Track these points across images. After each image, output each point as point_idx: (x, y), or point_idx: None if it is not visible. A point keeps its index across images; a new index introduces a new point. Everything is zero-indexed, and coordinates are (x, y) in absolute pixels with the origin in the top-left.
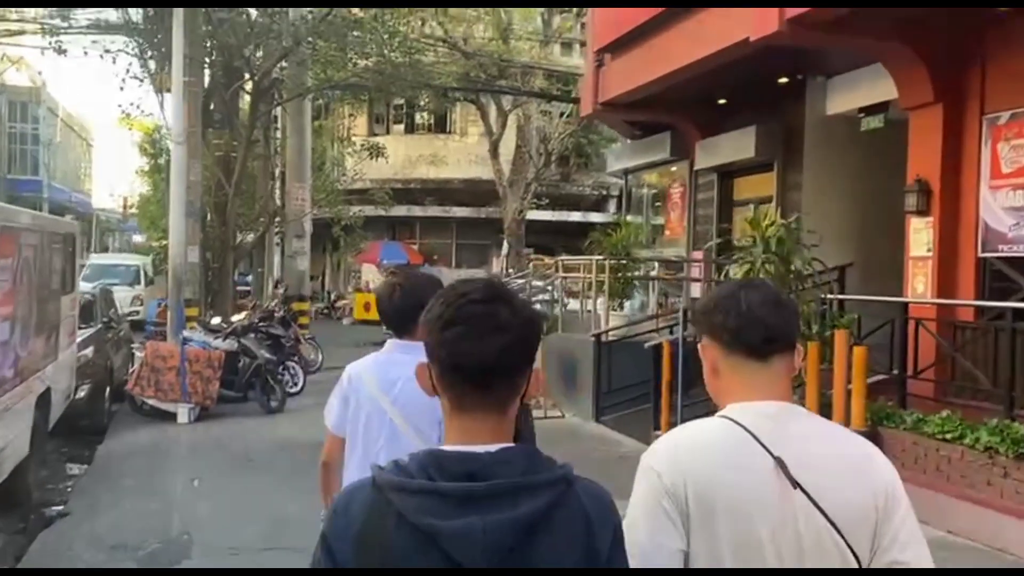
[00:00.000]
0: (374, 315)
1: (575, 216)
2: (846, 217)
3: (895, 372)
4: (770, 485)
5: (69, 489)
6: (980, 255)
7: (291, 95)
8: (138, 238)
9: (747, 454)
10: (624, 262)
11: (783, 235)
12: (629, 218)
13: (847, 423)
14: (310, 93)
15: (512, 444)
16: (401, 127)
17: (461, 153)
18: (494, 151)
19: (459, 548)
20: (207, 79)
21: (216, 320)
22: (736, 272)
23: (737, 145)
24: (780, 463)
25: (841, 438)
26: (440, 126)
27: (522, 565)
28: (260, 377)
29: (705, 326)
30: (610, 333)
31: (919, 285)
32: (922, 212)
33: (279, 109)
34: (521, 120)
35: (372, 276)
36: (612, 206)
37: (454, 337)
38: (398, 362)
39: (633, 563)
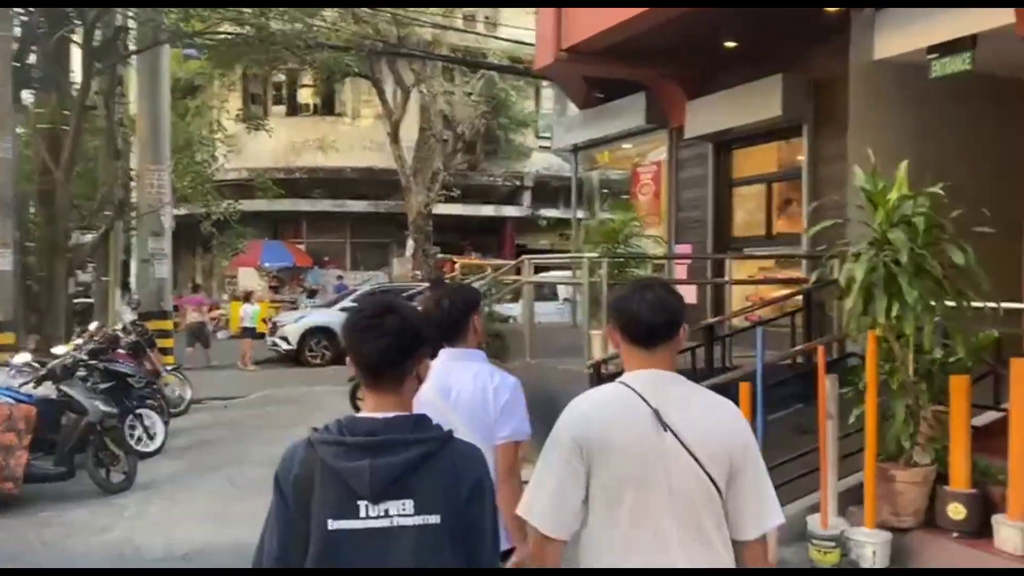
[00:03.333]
0: (260, 327)
1: (486, 210)
2: None
3: None
4: (648, 429)
5: None
6: None
7: (140, 47)
8: None
9: (633, 407)
10: (623, 260)
11: (928, 214)
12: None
13: None
14: (164, 43)
15: (405, 413)
16: (282, 108)
17: (354, 138)
18: (394, 135)
19: (355, 482)
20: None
21: (23, 357)
22: (856, 271)
23: (752, 103)
24: (656, 412)
25: (708, 397)
26: (327, 107)
27: (403, 496)
28: (94, 440)
29: (612, 317)
30: (612, 362)
31: None
32: None
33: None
34: (426, 98)
35: (253, 282)
36: (527, 198)
37: (351, 342)
38: (452, 369)
39: (539, 507)
